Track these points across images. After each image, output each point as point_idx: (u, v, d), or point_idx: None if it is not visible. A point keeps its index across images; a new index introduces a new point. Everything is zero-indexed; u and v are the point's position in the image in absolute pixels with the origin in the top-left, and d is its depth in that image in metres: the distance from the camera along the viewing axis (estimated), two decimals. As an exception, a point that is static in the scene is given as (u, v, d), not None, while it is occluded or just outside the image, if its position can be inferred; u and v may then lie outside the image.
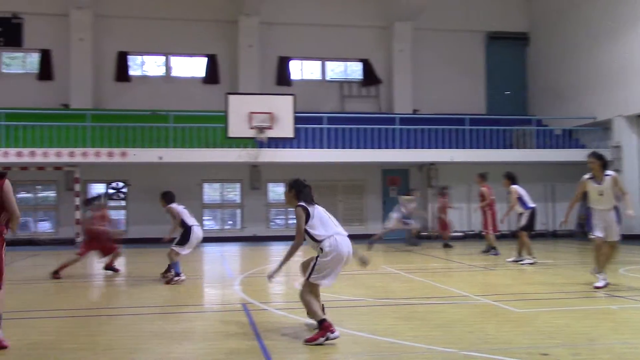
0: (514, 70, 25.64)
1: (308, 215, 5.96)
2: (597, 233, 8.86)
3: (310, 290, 5.94)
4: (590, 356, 5.09)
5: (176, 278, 9.85)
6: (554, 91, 23.59)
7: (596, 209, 8.91)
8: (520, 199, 12.81)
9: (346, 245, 5.94)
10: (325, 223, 6.00)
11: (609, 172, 8.91)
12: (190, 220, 10.22)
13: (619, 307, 7.44)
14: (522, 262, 12.30)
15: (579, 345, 5.43)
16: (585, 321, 6.54)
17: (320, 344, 5.54)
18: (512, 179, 13.16)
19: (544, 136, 21.57)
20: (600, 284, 8.76)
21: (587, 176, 8.98)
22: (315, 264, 5.90)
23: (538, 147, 20.96)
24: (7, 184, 5.74)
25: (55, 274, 10.58)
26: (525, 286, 9.45)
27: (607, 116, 20.44)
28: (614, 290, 8.68)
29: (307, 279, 5.92)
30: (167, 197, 10.42)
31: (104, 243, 11.03)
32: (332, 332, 5.61)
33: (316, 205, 6.10)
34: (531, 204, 12.86)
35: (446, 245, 16.76)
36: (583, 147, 21.57)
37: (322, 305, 6.01)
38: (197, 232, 10.13)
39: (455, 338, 5.77)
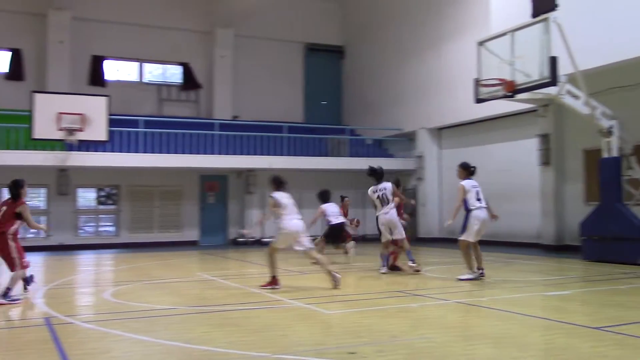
0: (331, 82, 26.75)
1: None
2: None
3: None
4: (392, 352, 5.41)
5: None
6: (365, 103, 24.99)
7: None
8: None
9: None
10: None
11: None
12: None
13: (418, 305, 8.02)
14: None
15: (382, 343, 5.76)
16: (389, 319, 6.96)
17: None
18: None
19: (356, 145, 22.73)
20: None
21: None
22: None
23: (351, 156, 22.03)
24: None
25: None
26: (336, 289, 9.84)
27: (412, 128, 22.08)
28: (415, 289, 9.37)
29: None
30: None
31: None
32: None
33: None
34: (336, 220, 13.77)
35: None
36: (391, 156, 23.08)
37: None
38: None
39: (269, 342, 5.84)
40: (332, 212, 13.91)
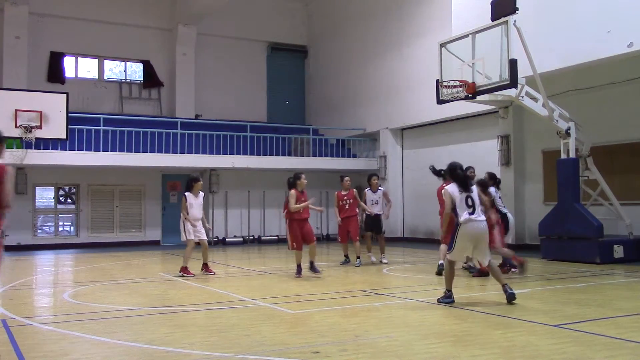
0: (294, 81, 26.74)
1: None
2: None
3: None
4: (356, 351, 5.44)
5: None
6: (329, 103, 25.05)
7: None
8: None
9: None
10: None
11: None
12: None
13: (381, 304, 8.08)
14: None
15: (346, 342, 5.78)
16: (353, 319, 6.99)
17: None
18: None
19: (319, 145, 22.77)
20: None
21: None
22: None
23: (314, 155, 22.06)
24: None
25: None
26: (299, 288, 9.84)
27: (375, 128, 22.22)
28: (378, 289, 9.43)
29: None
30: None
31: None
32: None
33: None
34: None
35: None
36: (354, 156, 23.19)
37: None
38: None
39: (232, 342, 5.81)
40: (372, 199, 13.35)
